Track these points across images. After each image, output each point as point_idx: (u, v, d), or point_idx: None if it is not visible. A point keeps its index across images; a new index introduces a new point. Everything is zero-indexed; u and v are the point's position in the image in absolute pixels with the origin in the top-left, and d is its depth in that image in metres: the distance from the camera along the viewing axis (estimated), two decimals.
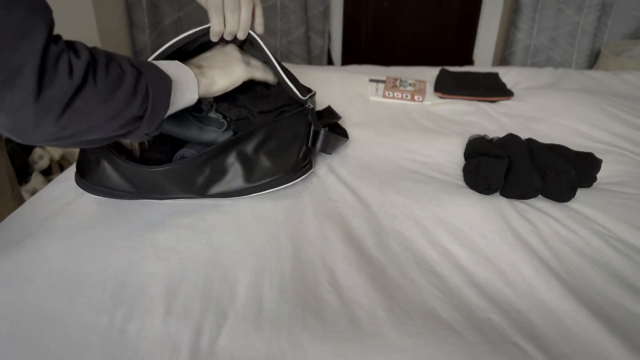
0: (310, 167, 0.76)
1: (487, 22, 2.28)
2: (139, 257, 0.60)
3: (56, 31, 0.46)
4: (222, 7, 0.65)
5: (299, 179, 0.73)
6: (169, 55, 0.68)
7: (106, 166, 0.67)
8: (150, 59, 0.66)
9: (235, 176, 0.69)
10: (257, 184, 0.70)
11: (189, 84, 0.59)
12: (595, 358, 0.50)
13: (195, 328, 0.51)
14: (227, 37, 0.69)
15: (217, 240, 0.63)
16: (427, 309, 0.55)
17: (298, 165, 0.74)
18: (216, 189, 0.69)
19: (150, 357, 0.49)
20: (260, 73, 0.72)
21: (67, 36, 0.47)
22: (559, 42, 2.09)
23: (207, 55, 0.68)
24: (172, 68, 0.58)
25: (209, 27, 0.68)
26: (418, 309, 0.55)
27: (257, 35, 0.71)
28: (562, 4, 2.02)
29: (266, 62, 0.73)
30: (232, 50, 0.70)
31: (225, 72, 0.65)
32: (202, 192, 0.68)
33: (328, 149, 0.78)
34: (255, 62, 0.73)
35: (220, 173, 0.68)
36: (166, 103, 0.55)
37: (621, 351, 0.50)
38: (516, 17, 2.08)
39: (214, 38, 0.68)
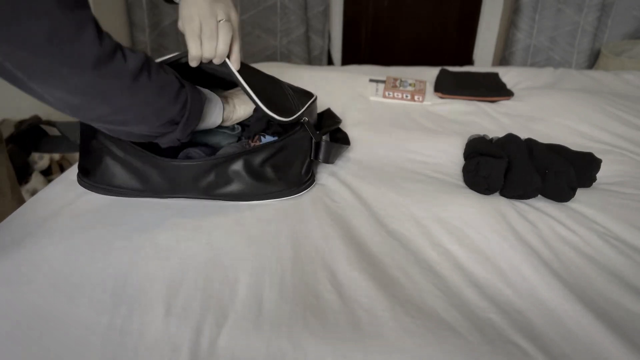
0: (313, 182, 0.77)
1: (487, 22, 2.28)
2: (139, 257, 0.60)
3: None
4: (200, 32, 0.64)
5: (301, 193, 0.74)
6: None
7: (109, 162, 0.67)
8: None
9: (239, 184, 0.69)
10: (260, 193, 0.71)
11: (216, 107, 0.67)
12: (595, 358, 0.50)
13: (195, 328, 0.51)
14: (204, 61, 0.67)
15: (217, 240, 0.63)
16: (427, 309, 0.55)
17: (301, 180, 0.74)
18: (220, 191, 0.69)
19: (150, 357, 0.49)
20: None
21: None
22: (559, 42, 2.09)
23: (230, 91, 0.76)
24: (205, 91, 0.66)
25: (186, 53, 0.66)
26: (418, 308, 0.55)
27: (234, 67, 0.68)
28: (562, 4, 2.02)
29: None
30: None
31: (245, 102, 0.73)
32: (206, 193, 0.68)
33: (330, 159, 0.79)
34: None
35: (225, 179, 0.68)
36: (199, 115, 0.62)
37: (621, 351, 0.50)
38: (516, 17, 2.08)
39: (192, 63, 0.67)
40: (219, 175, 0.68)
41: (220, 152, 0.73)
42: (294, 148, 0.73)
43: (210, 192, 0.69)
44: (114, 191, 0.69)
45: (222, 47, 0.65)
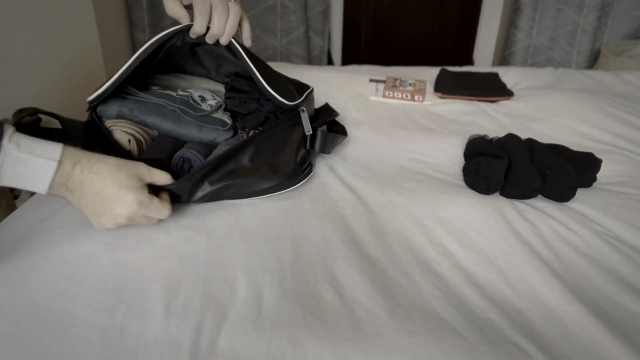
0: (311, 171, 0.76)
1: (487, 22, 2.28)
2: (139, 257, 0.60)
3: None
4: (210, 9, 0.64)
5: (300, 184, 0.73)
6: (148, 62, 0.67)
7: None
8: (132, 61, 0.65)
9: (234, 186, 0.68)
10: (256, 190, 0.70)
11: (33, 185, 0.53)
12: (595, 358, 0.50)
13: (195, 328, 0.51)
14: (209, 40, 0.67)
15: (217, 240, 0.63)
16: (427, 309, 0.55)
17: (297, 170, 0.74)
18: (217, 197, 0.69)
19: (150, 357, 0.49)
20: (145, 220, 0.61)
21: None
22: (559, 42, 2.09)
23: (98, 187, 0.56)
24: (25, 176, 0.52)
25: (189, 25, 0.66)
26: (418, 308, 0.55)
27: (244, 47, 0.70)
28: (562, 4, 2.02)
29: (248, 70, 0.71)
30: (126, 202, 0.57)
31: (91, 215, 0.58)
32: (202, 200, 0.68)
33: (327, 148, 0.78)
34: (156, 204, 0.60)
35: (220, 186, 0.68)
36: None
37: (621, 351, 0.50)
38: (516, 17, 2.08)
39: (193, 35, 0.66)
40: (211, 184, 0.67)
41: (215, 151, 0.73)
42: (283, 139, 0.72)
43: (207, 200, 0.68)
44: None
45: (232, 21, 0.65)
